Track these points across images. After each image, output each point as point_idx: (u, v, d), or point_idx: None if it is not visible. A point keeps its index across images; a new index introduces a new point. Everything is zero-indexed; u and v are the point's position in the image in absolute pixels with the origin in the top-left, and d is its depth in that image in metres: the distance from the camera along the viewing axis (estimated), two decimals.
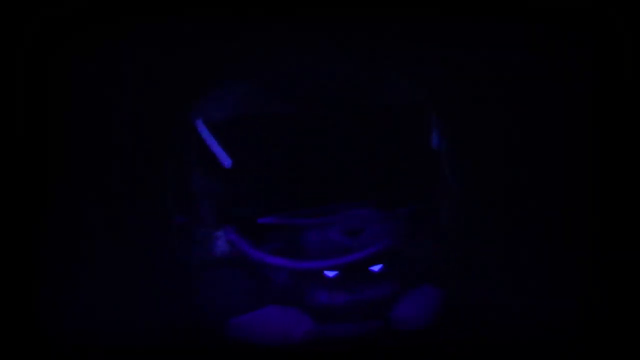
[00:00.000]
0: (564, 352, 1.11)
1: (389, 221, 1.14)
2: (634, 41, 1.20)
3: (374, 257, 1.13)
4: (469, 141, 1.32)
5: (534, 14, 1.26)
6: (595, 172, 1.24)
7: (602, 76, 1.23)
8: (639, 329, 1.12)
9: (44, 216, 1.27)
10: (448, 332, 1.18)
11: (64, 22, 1.27)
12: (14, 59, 1.22)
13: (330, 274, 1.14)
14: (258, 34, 1.37)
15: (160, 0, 1.32)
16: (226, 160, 1.16)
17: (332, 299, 1.15)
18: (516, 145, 1.35)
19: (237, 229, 1.14)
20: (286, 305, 1.15)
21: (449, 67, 1.36)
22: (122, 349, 1.16)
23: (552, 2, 1.25)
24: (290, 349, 1.15)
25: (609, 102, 1.23)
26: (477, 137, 1.34)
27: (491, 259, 1.29)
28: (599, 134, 1.23)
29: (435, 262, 1.18)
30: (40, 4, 1.24)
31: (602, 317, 1.15)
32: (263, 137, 1.16)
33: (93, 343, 1.18)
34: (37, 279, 1.22)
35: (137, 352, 1.16)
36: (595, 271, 1.20)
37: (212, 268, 1.17)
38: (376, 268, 1.15)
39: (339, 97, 1.20)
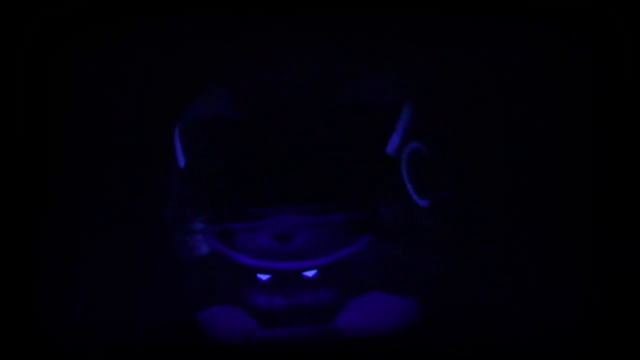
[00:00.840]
0: (563, 352, 1.11)
1: (321, 228, 1.14)
2: (634, 41, 1.20)
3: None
4: (468, 141, 1.31)
5: (533, 13, 1.26)
6: (595, 171, 1.24)
7: (602, 76, 1.23)
8: (639, 329, 1.12)
9: (43, 216, 1.27)
10: (447, 332, 1.18)
11: (64, 22, 1.27)
12: (14, 59, 1.22)
13: (263, 277, 1.15)
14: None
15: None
16: (180, 161, 1.19)
17: (270, 302, 1.15)
18: (515, 146, 1.35)
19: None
20: (232, 306, 1.16)
21: (447, 68, 1.36)
22: (121, 349, 1.16)
23: (551, 2, 1.25)
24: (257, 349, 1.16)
25: (609, 102, 1.22)
26: (476, 137, 1.34)
27: (490, 259, 1.29)
28: (599, 134, 1.23)
29: (395, 269, 1.16)
30: (40, 4, 1.24)
31: (602, 317, 1.15)
32: (208, 138, 1.18)
33: (92, 343, 1.18)
34: (36, 278, 1.22)
35: (137, 352, 1.16)
36: (595, 271, 1.20)
37: (199, 266, 1.18)
38: (310, 274, 1.15)
39: (285, 99, 1.21)
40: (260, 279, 1.15)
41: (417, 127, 1.19)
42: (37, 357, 1.15)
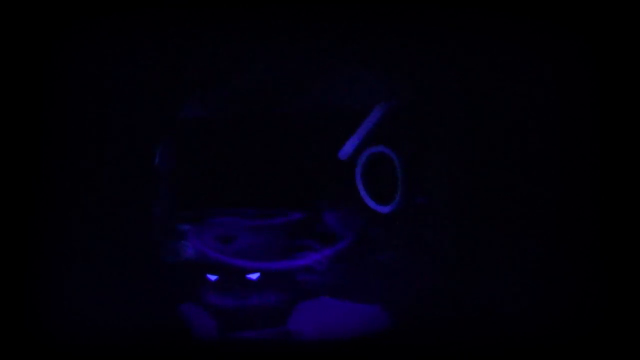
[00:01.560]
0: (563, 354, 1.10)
1: (262, 231, 1.15)
2: (634, 41, 1.19)
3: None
4: (464, 143, 1.30)
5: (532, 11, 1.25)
6: (595, 172, 1.23)
7: (603, 76, 1.22)
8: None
9: (33, 217, 1.26)
10: (417, 340, 1.17)
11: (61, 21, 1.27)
12: (11, 57, 1.22)
13: (212, 277, 1.16)
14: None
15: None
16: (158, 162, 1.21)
17: (222, 302, 1.15)
18: (514, 147, 1.33)
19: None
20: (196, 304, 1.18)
21: (425, 71, 1.33)
22: (110, 349, 1.15)
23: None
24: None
25: (609, 102, 1.22)
26: (473, 138, 1.32)
27: (454, 265, 1.26)
28: (599, 134, 1.23)
29: (347, 276, 1.17)
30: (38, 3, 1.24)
31: (603, 318, 1.13)
32: (179, 140, 1.21)
33: (80, 343, 1.17)
34: (25, 279, 1.21)
35: (127, 352, 1.15)
36: (597, 273, 1.19)
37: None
38: (254, 277, 1.15)
39: (248, 102, 1.21)
40: (209, 279, 1.16)
41: (384, 131, 1.19)
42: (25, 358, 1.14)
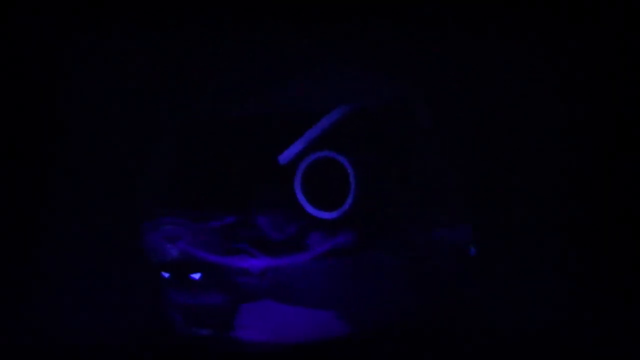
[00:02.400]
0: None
1: (201, 233, 1.16)
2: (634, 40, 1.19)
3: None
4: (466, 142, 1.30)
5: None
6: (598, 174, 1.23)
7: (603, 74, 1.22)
8: None
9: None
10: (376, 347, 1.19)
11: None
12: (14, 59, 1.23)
13: (165, 274, 1.18)
14: None
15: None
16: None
17: (177, 300, 1.19)
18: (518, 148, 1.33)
19: None
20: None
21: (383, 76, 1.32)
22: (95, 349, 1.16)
23: None
24: None
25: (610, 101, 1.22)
26: (476, 139, 1.32)
27: (405, 273, 1.26)
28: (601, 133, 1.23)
29: (289, 280, 1.17)
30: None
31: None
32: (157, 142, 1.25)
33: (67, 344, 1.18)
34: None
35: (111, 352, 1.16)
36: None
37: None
38: (196, 276, 1.17)
39: (206, 104, 1.24)
40: (163, 275, 1.19)
41: (337, 136, 1.18)
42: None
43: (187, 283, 1.17)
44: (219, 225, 1.17)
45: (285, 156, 1.16)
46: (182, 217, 1.16)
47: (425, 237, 1.21)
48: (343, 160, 1.15)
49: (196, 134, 1.21)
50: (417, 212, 1.21)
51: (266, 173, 1.17)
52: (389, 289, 1.19)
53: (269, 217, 1.17)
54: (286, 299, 1.17)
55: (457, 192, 1.26)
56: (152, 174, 1.23)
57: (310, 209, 1.15)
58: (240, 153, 1.18)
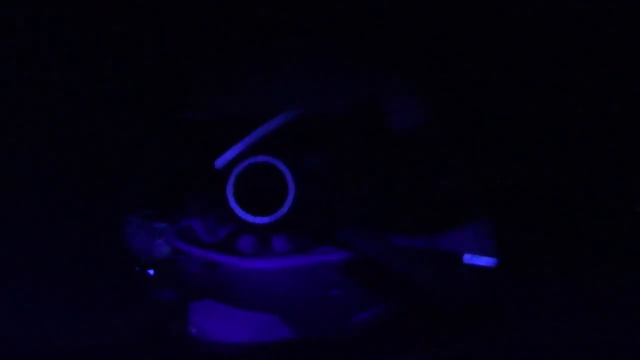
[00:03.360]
0: None
1: (146, 232, 1.22)
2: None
3: None
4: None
5: None
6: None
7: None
8: None
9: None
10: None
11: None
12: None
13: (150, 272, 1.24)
14: None
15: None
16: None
17: (150, 294, 1.24)
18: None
19: None
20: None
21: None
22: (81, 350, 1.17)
23: None
24: None
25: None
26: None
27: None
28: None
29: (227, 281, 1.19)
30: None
31: None
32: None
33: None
34: None
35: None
36: None
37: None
38: (151, 272, 1.22)
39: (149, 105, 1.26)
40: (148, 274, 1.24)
41: (277, 141, 1.19)
42: None
43: (146, 278, 1.22)
44: (161, 226, 1.22)
45: (220, 161, 1.18)
46: (138, 216, 1.22)
47: (378, 243, 1.21)
48: (280, 166, 1.16)
49: (147, 135, 1.24)
50: (369, 219, 1.21)
51: (202, 177, 1.20)
52: (326, 296, 1.20)
53: (202, 221, 1.20)
54: (227, 300, 1.20)
55: (436, 198, 1.24)
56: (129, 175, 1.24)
57: (241, 213, 1.17)
58: (180, 156, 1.22)
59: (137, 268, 1.23)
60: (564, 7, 1.35)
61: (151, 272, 1.22)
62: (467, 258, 1.22)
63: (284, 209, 1.16)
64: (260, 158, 1.17)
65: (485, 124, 1.33)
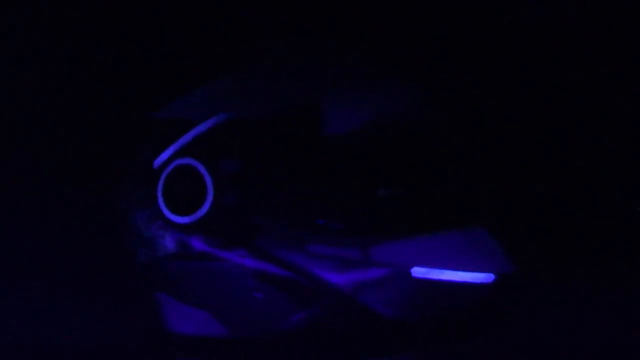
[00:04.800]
0: None
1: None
2: None
3: None
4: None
5: None
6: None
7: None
8: None
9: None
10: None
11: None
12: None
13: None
14: None
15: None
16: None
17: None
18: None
19: None
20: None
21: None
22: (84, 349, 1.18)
23: None
24: None
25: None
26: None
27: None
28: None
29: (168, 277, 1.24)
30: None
31: None
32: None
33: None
34: None
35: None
36: None
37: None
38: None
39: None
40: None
41: (203, 143, 1.23)
42: None
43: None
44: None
45: (158, 160, 1.23)
46: None
47: (295, 251, 1.21)
48: (200, 168, 1.20)
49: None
50: (289, 226, 1.21)
51: (140, 175, 1.25)
52: (249, 297, 1.22)
53: (137, 217, 1.25)
54: (171, 294, 1.25)
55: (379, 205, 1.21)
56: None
57: (167, 212, 1.22)
58: (146, 153, 1.25)
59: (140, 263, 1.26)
60: (563, 7, 1.34)
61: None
62: (418, 272, 1.19)
63: (202, 210, 1.20)
64: (185, 160, 1.22)
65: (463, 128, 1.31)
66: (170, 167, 1.22)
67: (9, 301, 1.31)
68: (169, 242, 1.22)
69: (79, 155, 1.48)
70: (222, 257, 1.21)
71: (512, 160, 1.36)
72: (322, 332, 1.20)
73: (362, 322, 1.20)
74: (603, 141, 1.34)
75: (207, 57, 1.40)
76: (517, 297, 1.23)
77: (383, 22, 1.40)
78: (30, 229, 1.44)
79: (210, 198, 1.20)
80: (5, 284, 1.34)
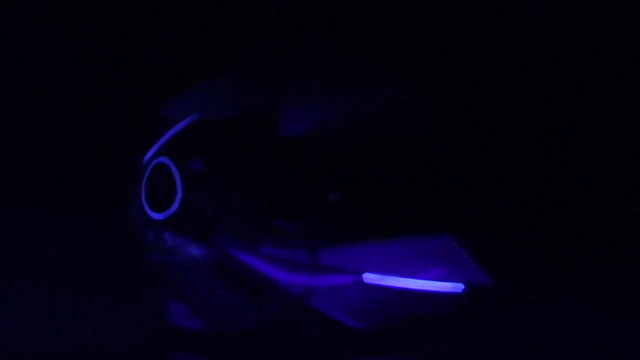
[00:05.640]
0: None
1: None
2: None
3: None
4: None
5: None
6: None
7: None
8: None
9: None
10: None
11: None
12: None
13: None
14: None
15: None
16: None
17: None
18: None
19: None
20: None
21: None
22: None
23: None
24: None
25: None
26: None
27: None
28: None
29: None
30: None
31: None
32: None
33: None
34: None
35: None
36: None
37: None
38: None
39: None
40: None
41: (176, 143, 1.26)
42: None
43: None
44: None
45: (144, 158, 1.28)
46: None
47: (247, 250, 1.22)
48: (172, 168, 1.24)
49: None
50: (246, 225, 1.22)
51: (135, 171, 1.29)
52: (214, 294, 1.24)
53: (131, 210, 1.29)
54: (161, 287, 1.30)
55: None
56: None
57: (147, 208, 1.26)
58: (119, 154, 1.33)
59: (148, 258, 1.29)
60: (563, 7, 1.34)
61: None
62: (370, 278, 1.18)
63: (173, 208, 1.23)
64: (162, 159, 1.25)
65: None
66: (151, 165, 1.26)
67: (9, 301, 1.31)
68: (150, 236, 1.25)
69: (79, 155, 1.48)
70: (189, 254, 1.23)
71: (512, 160, 1.36)
72: (279, 333, 1.21)
73: (315, 326, 1.19)
74: (603, 141, 1.33)
75: (205, 57, 1.41)
76: (498, 307, 1.21)
77: (383, 22, 1.40)
78: (30, 229, 1.44)
79: (179, 196, 1.22)
80: (5, 284, 1.34)
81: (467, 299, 1.18)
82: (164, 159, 1.24)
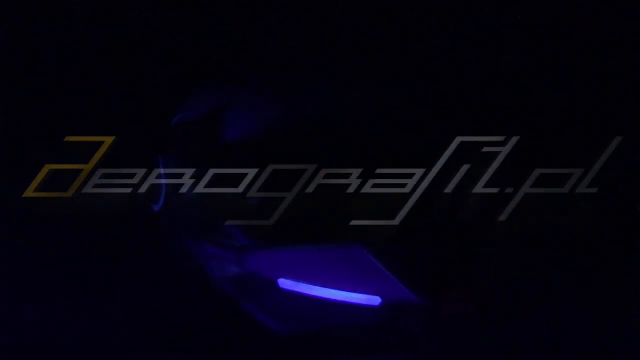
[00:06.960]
0: None
1: None
2: None
3: None
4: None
5: None
6: None
7: None
8: None
9: None
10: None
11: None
12: None
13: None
14: None
15: None
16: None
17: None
18: None
19: None
20: None
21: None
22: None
23: None
24: None
25: None
26: None
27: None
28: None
29: None
30: None
31: None
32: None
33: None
34: None
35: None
36: None
37: None
38: None
39: None
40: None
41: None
42: None
43: None
44: None
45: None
46: None
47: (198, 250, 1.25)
48: (161, 163, 1.27)
49: None
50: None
51: None
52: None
53: None
54: None
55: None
56: None
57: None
58: None
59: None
60: (563, 7, 1.34)
61: None
62: (285, 284, 1.18)
63: (161, 201, 1.28)
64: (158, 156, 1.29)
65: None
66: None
67: (9, 301, 1.32)
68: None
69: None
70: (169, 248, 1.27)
71: (511, 159, 1.36)
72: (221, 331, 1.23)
73: (246, 327, 1.20)
74: (603, 141, 1.33)
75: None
76: (426, 323, 1.17)
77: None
78: (32, 229, 1.44)
79: (164, 190, 1.26)
80: (5, 284, 1.34)
81: (387, 313, 1.14)
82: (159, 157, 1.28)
